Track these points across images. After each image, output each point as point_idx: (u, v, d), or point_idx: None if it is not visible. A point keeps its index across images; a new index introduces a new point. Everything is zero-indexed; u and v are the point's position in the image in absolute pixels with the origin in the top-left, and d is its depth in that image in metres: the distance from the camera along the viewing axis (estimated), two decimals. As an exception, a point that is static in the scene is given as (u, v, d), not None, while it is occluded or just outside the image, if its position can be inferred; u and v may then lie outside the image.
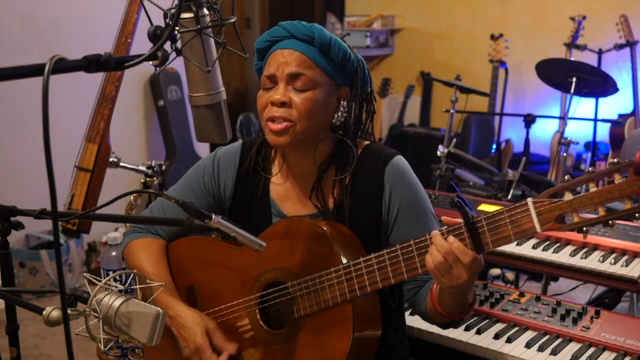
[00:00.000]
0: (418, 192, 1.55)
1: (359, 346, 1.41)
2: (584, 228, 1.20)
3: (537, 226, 1.22)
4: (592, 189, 1.18)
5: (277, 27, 1.51)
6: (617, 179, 1.16)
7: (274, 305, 1.51)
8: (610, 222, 1.18)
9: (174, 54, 1.15)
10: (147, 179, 2.66)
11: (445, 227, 1.32)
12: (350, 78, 1.54)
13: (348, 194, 1.54)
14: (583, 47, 4.81)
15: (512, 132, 5.40)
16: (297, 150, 1.54)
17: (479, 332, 1.68)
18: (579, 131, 4.47)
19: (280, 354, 1.48)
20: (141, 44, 1.54)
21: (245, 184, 1.64)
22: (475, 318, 1.76)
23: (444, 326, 1.52)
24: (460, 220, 1.30)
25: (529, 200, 1.23)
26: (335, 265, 1.43)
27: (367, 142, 1.60)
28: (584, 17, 4.83)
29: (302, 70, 1.45)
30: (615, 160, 1.17)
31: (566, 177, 1.21)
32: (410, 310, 1.82)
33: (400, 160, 1.55)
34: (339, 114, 1.52)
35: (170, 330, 1.52)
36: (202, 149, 4.86)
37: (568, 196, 1.20)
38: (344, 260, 1.42)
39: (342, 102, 1.52)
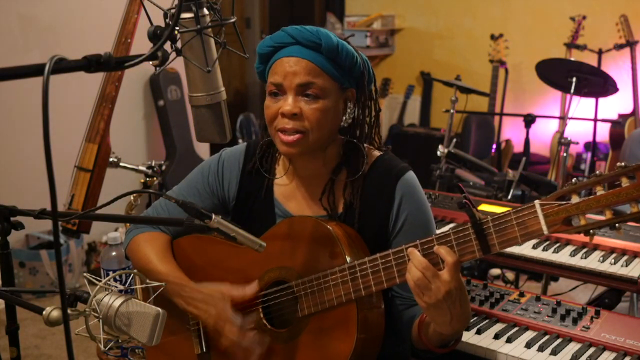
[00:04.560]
0: (425, 211, 1.55)
1: (362, 346, 1.41)
2: (591, 231, 1.21)
3: (544, 228, 1.23)
4: (599, 192, 1.18)
5: (280, 32, 1.47)
6: (624, 182, 1.16)
7: (277, 304, 1.51)
8: (617, 225, 1.18)
9: (174, 54, 1.15)
10: (147, 179, 2.66)
11: (452, 226, 1.33)
12: (357, 79, 1.52)
13: (359, 197, 1.53)
14: (583, 47, 4.81)
15: (512, 132, 5.40)
16: (306, 155, 1.53)
17: (479, 332, 1.68)
18: (579, 131, 4.46)
19: (283, 353, 1.48)
20: (141, 44, 1.54)
21: (249, 184, 1.64)
22: (475, 318, 1.75)
23: (422, 352, 1.51)
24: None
25: (536, 202, 1.24)
26: (339, 265, 1.42)
27: (379, 153, 1.59)
28: (584, 17, 4.83)
29: (312, 80, 1.43)
30: (623, 164, 1.17)
31: (573, 180, 1.22)
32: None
33: (412, 176, 1.56)
34: (347, 115, 1.51)
35: (174, 329, 1.52)
36: (202, 149, 4.86)
37: (575, 199, 1.21)
38: (349, 260, 1.42)
39: (348, 103, 1.51)
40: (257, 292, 1.51)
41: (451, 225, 2.38)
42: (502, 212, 1.28)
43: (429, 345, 1.44)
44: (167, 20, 1.14)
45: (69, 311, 1.04)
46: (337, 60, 1.45)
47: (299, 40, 1.44)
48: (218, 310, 1.47)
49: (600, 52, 4.89)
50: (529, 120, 3.86)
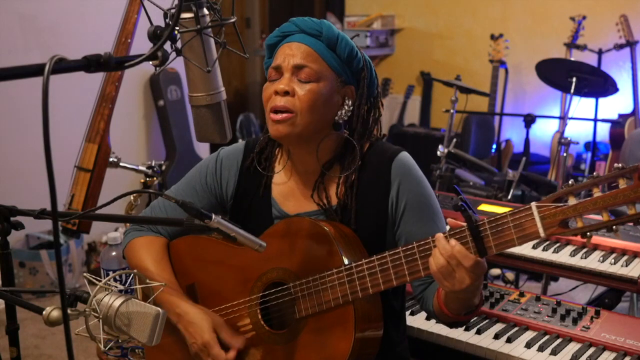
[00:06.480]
0: (425, 188, 1.54)
1: (360, 347, 1.41)
2: (588, 233, 1.20)
3: (541, 231, 1.22)
4: (596, 193, 1.18)
5: (287, 22, 1.54)
6: (622, 184, 1.16)
7: (275, 306, 1.51)
8: (614, 227, 1.18)
9: (174, 54, 1.15)
10: (147, 179, 2.66)
11: (449, 229, 1.32)
12: (357, 76, 1.54)
13: (353, 195, 1.53)
14: (583, 47, 4.81)
15: (512, 132, 5.40)
16: (300, 146, 1.54)
17: (479, 332, 1.68)
18: (579, 131, 4.46)
19: (281, 355, 1.48)
20: (141, 44, 1.54)
21: (247, 183, 1.64)
22: (475, 318, 1.75)
23: (451, 325, 1.53)
24: (463, 223, 1.30)
25: (533, 204, 1.23)
26: (336, 266, 1.42)
27: (370, 141, 1.59)
28: (584, 17, 4.83)
29: (307, 63, 1.47)
30: (620, 165, 1.17)
31: (570, 182, 1.21)
32: (411, 310, 1.83)
33: (406, 156, 1.55)
34: (343, 111, 1.52)
35: (174, 329, 1.52)
36: (202, 149, 4.86)
37: (572, 201, 1.20)
38: (346, 261, 1.42)
39: (347, 100, 1.53)
40: (244, 343, 1.51)
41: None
42: (499, 214, 1.27)
43: (455, 317, 1.44)
44: (167, 20, 1.14)
45: (69, 311, 1.04)
46: (336, 50, 1.50)
47: (303, 28, 1.50)
48: (203, 342, 1.49)
49: (600, 52, 4.88)
50: (529, 120, 3.87)
